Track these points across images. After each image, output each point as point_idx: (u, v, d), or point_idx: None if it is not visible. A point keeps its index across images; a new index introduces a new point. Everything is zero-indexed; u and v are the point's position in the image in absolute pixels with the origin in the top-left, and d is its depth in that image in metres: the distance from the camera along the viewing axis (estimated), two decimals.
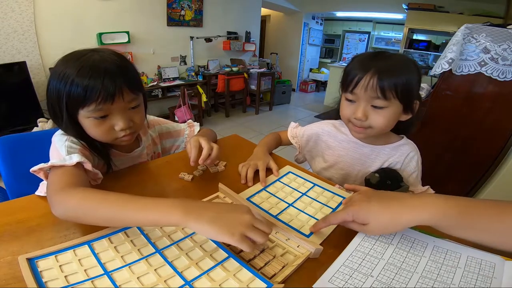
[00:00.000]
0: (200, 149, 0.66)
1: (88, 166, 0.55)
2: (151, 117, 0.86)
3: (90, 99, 0.54)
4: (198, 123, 0.92)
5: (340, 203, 0.62)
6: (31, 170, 0.54)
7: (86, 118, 0.58)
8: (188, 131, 0.89)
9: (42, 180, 0.56)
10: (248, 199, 0.62)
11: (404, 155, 0.76)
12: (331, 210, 0.60)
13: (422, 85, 1.72)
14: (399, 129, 0.78)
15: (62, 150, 0.57)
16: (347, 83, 0.67)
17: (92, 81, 0.54)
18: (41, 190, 0.57)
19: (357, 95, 0.66)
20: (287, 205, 0.61)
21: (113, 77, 0.56)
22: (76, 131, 0.60)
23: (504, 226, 0.40)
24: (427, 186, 0.76)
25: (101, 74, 0.54)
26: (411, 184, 0.75)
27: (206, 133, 0.86)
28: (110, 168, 0.68)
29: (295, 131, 0.91)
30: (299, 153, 0.92)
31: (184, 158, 0.72)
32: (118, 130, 0.61)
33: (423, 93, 1.64)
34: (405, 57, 0.68)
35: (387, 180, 0.70)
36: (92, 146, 0.63)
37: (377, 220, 0.45)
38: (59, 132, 0.63)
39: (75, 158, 0.54)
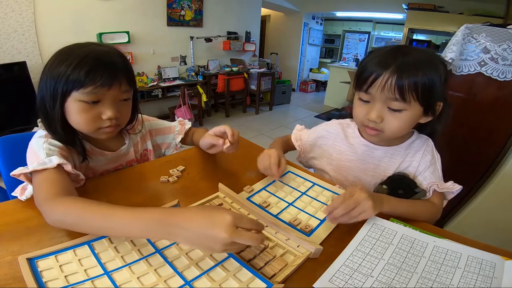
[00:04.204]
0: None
1: (68, 168, 0.54)
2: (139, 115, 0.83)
3: (90, 81, 0.55)
4: (190, 122, 0.90)
5: None
6: (11, 174, 0.53)
7: (76, 102, 0.57)
8: (178, 128, 0.87)
9: None
10: (248, 198, 0.62)
11: (420, 152, 0.68)
12: None
13: None
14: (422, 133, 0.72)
15: (41, 152, 0.56)
16: (361, 81, 0.61)
17: (96, 66, 0.56)
18: (17, 192, 0.58)
19: (372, 95, 0.59)
20: (287, 204, 0.61)
21: (118, 66, 0.59)
22: (60, 119, 0.59)
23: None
24: (450, 182, 0.64)
25: (106, 62, 0.58)
26: (426, 179, 0.66)
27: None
28: (85, 159, 0.66)
29: (299, 134, 0.88)
30: (301, 156, 0.89)
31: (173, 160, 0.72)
32: (105, 118, 0.60)
33: None
34: (430, 52, 0.60)
35: (398, 190, 0.64)
36: (68, 137, 0.62)
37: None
38: (37, 135, 0.62)
39: (55, 160, 0.53)
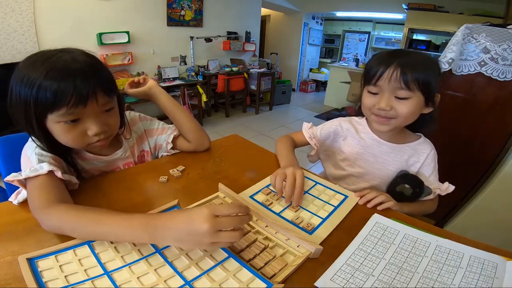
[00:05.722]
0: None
1: (59, 174, 0.53)
2: (134, 114, 0.82)
3: (60, 103, 0.50)
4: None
5: (342, 201, 0.62)
6: (5, 179, 0.54)
7: (56, 123, 0.53)
8: (171, 130, 0.82)
9: None
10: (251, 197, 0.62)
11: (424, 155, 0.77)
12: (333, 207, 0.60)
13: None
14: (422, 126, 0.78)
15: (33, 158, 0.55)
16: (370, 76, 0.70)
17: (62, 83, 0.49)
18: (12, 197, 0.57)
19: (380, 87, 0.69)
20: (290, 202, 0.61)
21: (86, 78, 0.51)
22: (45, 137, 0.56)
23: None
24: (446, 183, 0.74)
25: (72, 76, 0.50)
26: (431, 184, 0.75)
27: None
28: (79, 175, 0.64)
29: (311, 131, 0.88)
30: (315, 154, 0.90)
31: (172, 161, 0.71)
32: (92, 135, 0.57)
33: None
34: (424, 54, 0.71)
35: (416, 188, 0.71)
36: (61, 154, 0.60)
37: None
38: (30, 139, 0.59)
39: (46, 167, 0.52)
